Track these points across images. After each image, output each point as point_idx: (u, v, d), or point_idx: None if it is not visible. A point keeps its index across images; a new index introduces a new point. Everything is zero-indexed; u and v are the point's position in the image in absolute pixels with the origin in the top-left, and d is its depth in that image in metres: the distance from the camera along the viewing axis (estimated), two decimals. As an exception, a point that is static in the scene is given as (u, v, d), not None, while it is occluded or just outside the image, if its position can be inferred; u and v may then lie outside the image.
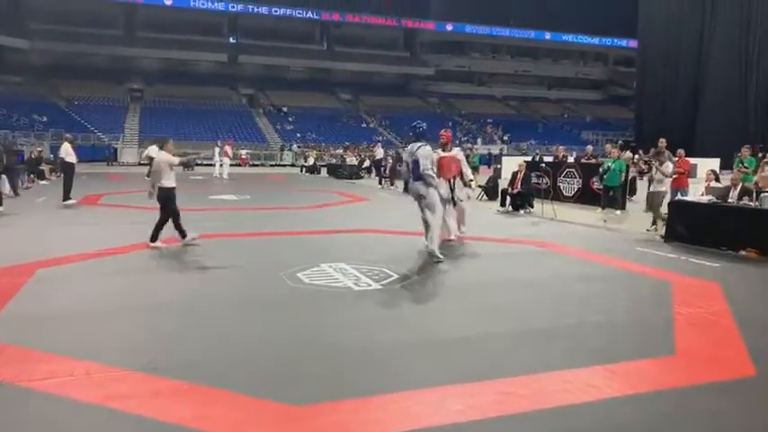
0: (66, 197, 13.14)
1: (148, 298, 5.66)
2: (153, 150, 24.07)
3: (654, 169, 11.17)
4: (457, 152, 9.14)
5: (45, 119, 38.92)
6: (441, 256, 7.33)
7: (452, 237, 8.84)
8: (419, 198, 7.55)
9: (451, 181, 8.72)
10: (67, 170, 13.57)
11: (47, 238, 9.10)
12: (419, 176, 7.37)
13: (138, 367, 3.80)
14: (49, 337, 4.46)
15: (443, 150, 8.75)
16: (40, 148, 25.51)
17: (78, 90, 45.25)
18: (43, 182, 19.87)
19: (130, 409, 3.24)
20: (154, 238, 8.03)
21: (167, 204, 8.05)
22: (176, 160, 8.30)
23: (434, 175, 7.47)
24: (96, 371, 3.75)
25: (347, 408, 3.31)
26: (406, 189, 8.13)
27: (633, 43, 49.69)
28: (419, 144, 7.48)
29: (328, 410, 3.28)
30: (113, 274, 6.69)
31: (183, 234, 8.18)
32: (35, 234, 9.48)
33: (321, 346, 4.39)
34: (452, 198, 8.74)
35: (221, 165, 24.60)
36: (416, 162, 7.36)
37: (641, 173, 12.07)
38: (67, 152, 13.60)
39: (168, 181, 8.01)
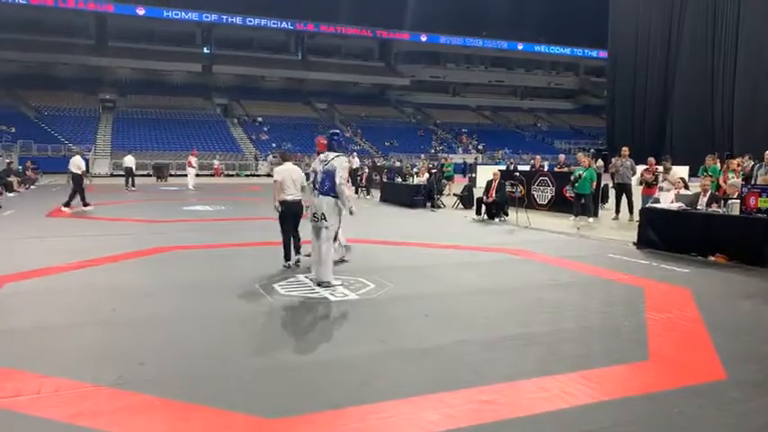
0: (68, 203, 14.62)
1: (119, 312, 5.54)
2: (129, 160, 23.97)
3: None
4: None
5: (13, 130, 38.12)
6: (337, 281, 6.63)
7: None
8: (319, 220, 6.60)
9: None
10: (76, 181, 15.00)
11: (15, 251, 8.87)
12: (328, 191, 6.54)
13: (108, 383, 3.72)
14: (15, 352, 4.34)
15: None
16: (8, 160, 25.01)
17: (48, 100, 44.43)
18: (11, 194, 19.43)
19: (102, 426, 3.16)
20: (298, 250, 7.85)
21: (297, 217, 7.82)
22: (302, 175, 8.06)
23: (346, 192, 6.66)
24: (65, 387, 3.66)
25: (322, 420, 3.27)
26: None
27: (603, 54, 50.72)
28: (334, 154, 6.67)
29: (303, 423, 3.24)
30: (83, 288, 6.54)
31: (288, 257, 7.80)
32: (3, 248, 9.23)
33: (296, 357, 4.35)
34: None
35: (187, 175, 25.58)
36: (329, 173, 6.51)
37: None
38: (76, 164, 15.14)
39: (298, 193, 7.79)
